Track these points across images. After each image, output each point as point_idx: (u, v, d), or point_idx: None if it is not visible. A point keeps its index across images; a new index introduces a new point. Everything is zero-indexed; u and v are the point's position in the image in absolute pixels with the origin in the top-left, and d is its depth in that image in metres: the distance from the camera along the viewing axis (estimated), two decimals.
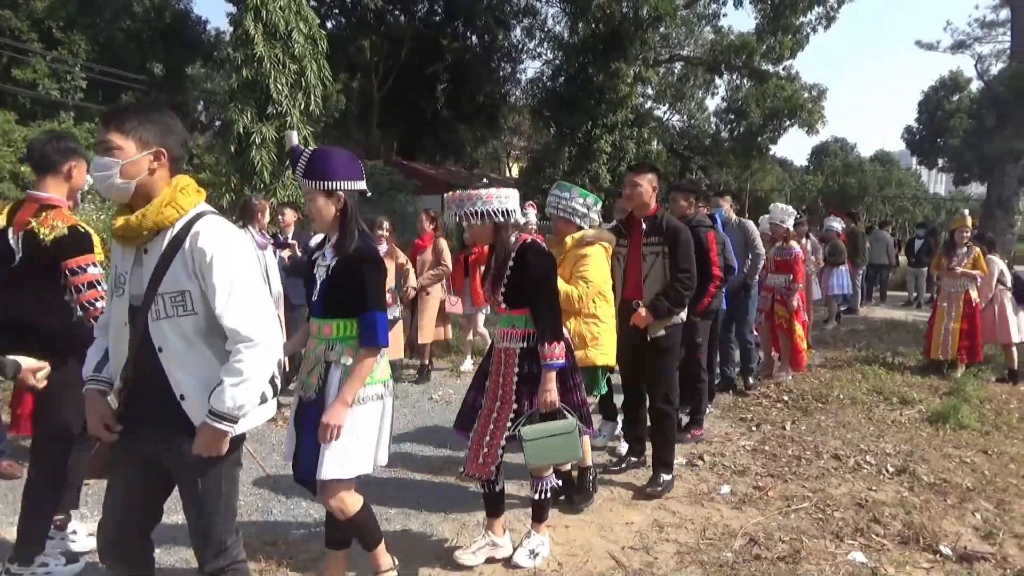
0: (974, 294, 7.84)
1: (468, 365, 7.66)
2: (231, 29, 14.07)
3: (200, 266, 2.10)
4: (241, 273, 2.14)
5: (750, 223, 6.82)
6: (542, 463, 3.29)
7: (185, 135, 2.28)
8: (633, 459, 4.81)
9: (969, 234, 7.88)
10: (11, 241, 3.01)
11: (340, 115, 22.26)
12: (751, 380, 7.01)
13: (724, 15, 65.82)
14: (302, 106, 11.66)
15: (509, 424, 3.25)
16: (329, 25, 21.26)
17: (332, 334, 2.73)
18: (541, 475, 3.38)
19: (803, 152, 75.14)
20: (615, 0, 19.09)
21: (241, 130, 10.90)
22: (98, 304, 2.99)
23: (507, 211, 3.19)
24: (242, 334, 2.10)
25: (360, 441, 2.74)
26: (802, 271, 7.21)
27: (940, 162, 40.52)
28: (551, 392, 3.20)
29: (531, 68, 71.19)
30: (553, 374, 3.20)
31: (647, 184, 4.29)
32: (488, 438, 3.30)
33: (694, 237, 4.49)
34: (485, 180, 3.54)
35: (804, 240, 9.11)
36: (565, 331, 3.59)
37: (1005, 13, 19.92)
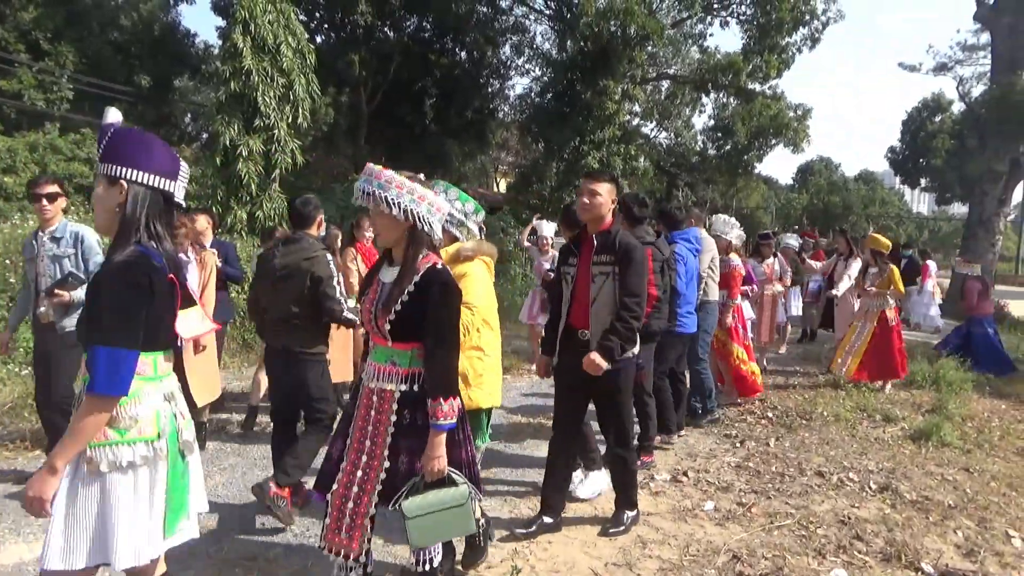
0: (890, 313, 7.84)
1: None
2: (220, 42, 14.06)
3: None
4: None
5: (710, 239, 6.16)
6: (428, 543, 2.66)
7: None
8: (546, 520, 3.94)
9: (867, 254, 8.00)
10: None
11: (328, 129, 22.27)
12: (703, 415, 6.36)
13: (711, 35, 66.61)
14: (290, 119, 11.64)
15: (379, 487, 2.61)
16: (318, 40, 21.25)
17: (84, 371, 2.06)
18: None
19: (788, 170, 76.14)
20: (603, 19, 19.21)
21: (227, 143, 10.85)
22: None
23: (424, 220, 2.57)
24: None
25: (88, 526, 1.97)
26: (737, 287, 6.64)
27: (923, 182, 41.09)
28: (440, 459, 2.56)
29: (519, 84, 71.94)
30: (443, 436, 2.56)
31: (607, 194, 3.73)
32: (352, 504, 2.61)
33: None
34: (422, 176, 3.04)
35: (771, 259, 8.97)
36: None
37: (986, 37, 20.31)
